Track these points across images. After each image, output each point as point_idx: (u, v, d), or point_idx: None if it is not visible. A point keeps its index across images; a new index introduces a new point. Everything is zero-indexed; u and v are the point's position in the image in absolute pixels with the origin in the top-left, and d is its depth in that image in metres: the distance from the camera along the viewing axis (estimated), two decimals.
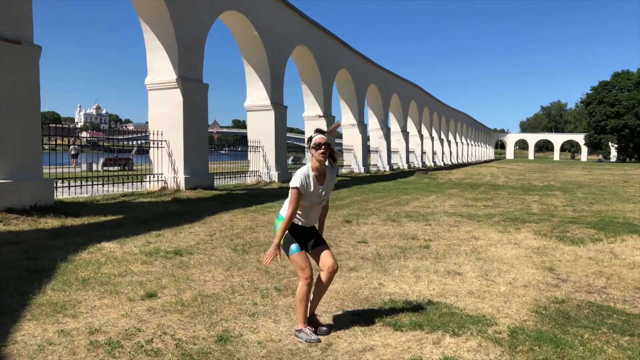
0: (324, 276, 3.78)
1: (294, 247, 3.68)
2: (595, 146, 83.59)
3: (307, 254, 3.79)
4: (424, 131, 49.22)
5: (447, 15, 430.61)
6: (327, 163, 3.71)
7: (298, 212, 3.71)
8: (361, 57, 31.30)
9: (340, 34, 27.41)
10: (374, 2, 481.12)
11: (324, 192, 3.74)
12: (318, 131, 3.69)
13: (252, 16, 18.25)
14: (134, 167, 25.56)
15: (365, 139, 31.73)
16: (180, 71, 14.51)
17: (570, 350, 3.45)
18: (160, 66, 14.62)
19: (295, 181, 3.60)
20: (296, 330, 3.72)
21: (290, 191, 3.63)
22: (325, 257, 3.77)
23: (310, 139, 3.67)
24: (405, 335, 3.73)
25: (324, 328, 3.78)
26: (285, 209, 3.74)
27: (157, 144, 14.58)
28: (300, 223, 3.78)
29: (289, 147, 23.63)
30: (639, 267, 6.03)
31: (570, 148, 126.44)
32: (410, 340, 3.65)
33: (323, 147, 3.60)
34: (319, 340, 3.59)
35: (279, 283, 5.18)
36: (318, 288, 3.83)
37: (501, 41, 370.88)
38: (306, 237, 3.79)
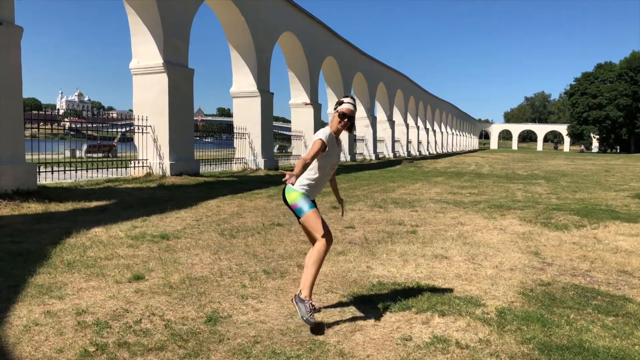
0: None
1: (307, 206, 3.50)
2: (577, 137, 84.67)
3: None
4: (410, 120, 49.37)
5: (432, 6, 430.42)
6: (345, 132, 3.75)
7: (315, 176, 3.58)
8: (348, 44, 31.18)
9: (327, 22, 27.25)
10: None
11: (338, 154, 3.77)
12: (349, 98, 3.67)
13: (238, 1, 18.03)
14: (118, 155, 25.25)
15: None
16: (165, 55, 14.30)
17: (557, 329, 3.50)
18: (145, 50, 14.39)
19: (320, 134, 3.52)
20: (297, 298, 3.44)
21: (313, 141, 3.49)
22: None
23: (340, 102, 3.64)
24: (394, 316, 3.75)
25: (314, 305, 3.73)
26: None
27: (142, 129, 14.39)
28: (311, 194, 3.61)
29: (274, 136, 23.49)
30: (622, 252, 6.13)
31: (553, 139, 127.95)
32: (399, 320, 3.67)
33: (346, 119, 3.59)
34: (314, 324, 3.38)
35: (268, 266, 5.16)
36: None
37: (486, 32, 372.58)
38: None
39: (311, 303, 3.40)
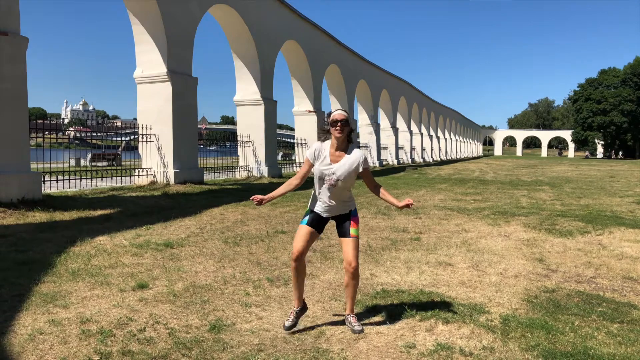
0: (345, 275, 3.64)
1: (304, 219, 3.70)
2: (582, 143, 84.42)
3: (312, 232, 3.64)
4: (413, 127, 49.36)
5: (436, 13, 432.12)
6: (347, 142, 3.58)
7: (316, 192, 3.68)
8: (351, 52, 31.28)
9: (330, 30, 27.36)
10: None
11: (333, 172, 3.52)
12: (339, 109, 3.63)
13: (242, 10, 18.15)
14: (122, 163, 25.33)
15: (355, 134, 31.77)
16: (169, 64, 14.39)
17: (562, 336, 3.48)
18: (149, 59, 14.49)
19: (308, 151, 3.63)
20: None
21: None
22: (345, 252, 3.63)
23: (329, 114, 3.57)
24: (398, 324, 3.74)
25: (357, 328, 3.54)
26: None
27: (146, 137, 14.46)
28: (317, 209, 3.69)
29: (278, 144, 23.49)
30: (627, 258, 6.11)
31: (557, 145, 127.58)
32: (403, 328, 3.66)
33: (339, 124, 3.47)
34: (287, 329, 3.55)
35: (271, 274, 5.17)
36: (345, 287, 3.70)
37: (490, 39, 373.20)
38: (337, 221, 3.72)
39: (293, 311, 3.68)
